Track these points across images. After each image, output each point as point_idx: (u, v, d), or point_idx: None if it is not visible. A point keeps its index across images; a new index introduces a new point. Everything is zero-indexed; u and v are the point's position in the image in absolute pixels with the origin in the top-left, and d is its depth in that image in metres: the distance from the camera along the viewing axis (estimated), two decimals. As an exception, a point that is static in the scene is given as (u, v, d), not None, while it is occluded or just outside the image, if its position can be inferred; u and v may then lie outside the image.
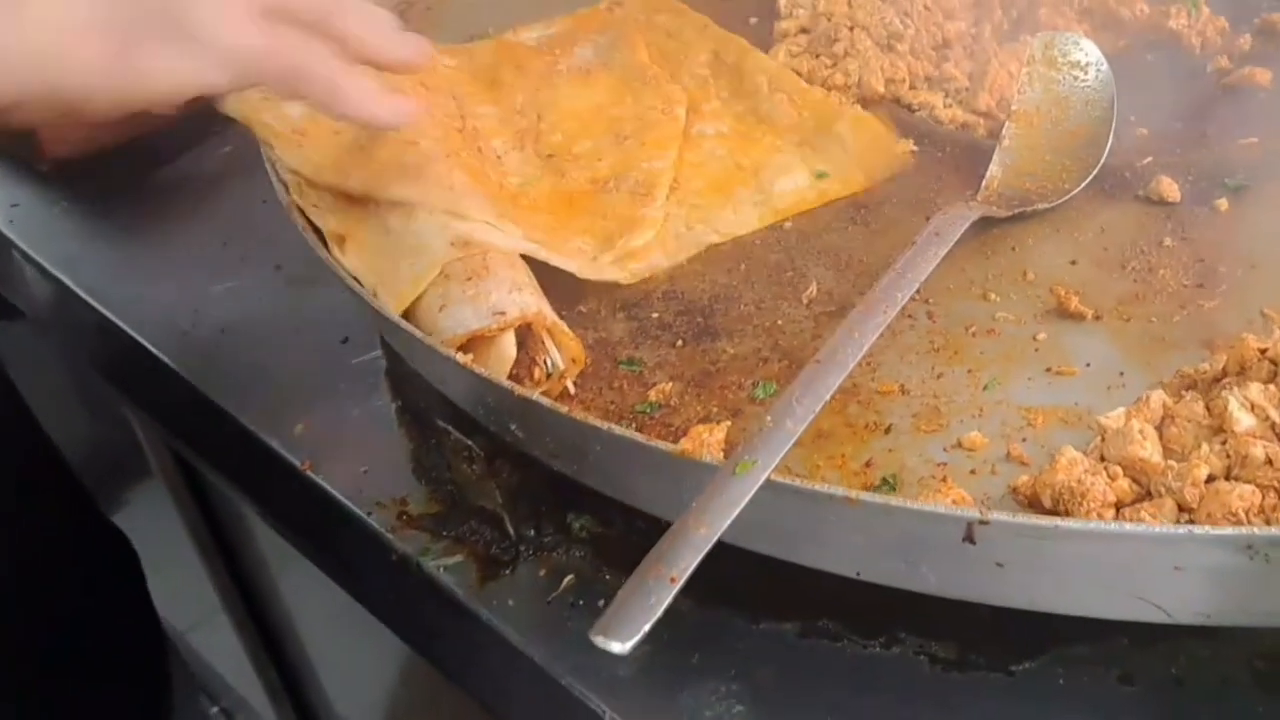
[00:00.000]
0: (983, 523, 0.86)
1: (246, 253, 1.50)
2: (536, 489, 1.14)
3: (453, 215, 1.18)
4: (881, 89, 1.49)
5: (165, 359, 1.37)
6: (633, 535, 1.08)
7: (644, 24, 1.63)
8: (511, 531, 1.11)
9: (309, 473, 1.21)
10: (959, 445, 1.07)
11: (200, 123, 1.69)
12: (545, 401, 0.99)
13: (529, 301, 1.12)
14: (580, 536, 1.11)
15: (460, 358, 1.03)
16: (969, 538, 0.87)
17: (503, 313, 1.10)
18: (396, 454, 1.23)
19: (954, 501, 1.00)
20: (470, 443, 1.14)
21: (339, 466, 1.22)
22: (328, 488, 1.19)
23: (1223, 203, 1.29)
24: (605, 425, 0.97)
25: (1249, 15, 1.59)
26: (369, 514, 1.16)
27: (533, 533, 1.11)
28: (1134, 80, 1.45)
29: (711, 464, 0.94)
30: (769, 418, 0.95)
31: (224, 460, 1.39)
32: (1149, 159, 1.36)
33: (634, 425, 1.11)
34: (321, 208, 1.22)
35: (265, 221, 1.50)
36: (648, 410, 1.13)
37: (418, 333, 1.07)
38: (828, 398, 0.98)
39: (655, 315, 1.23)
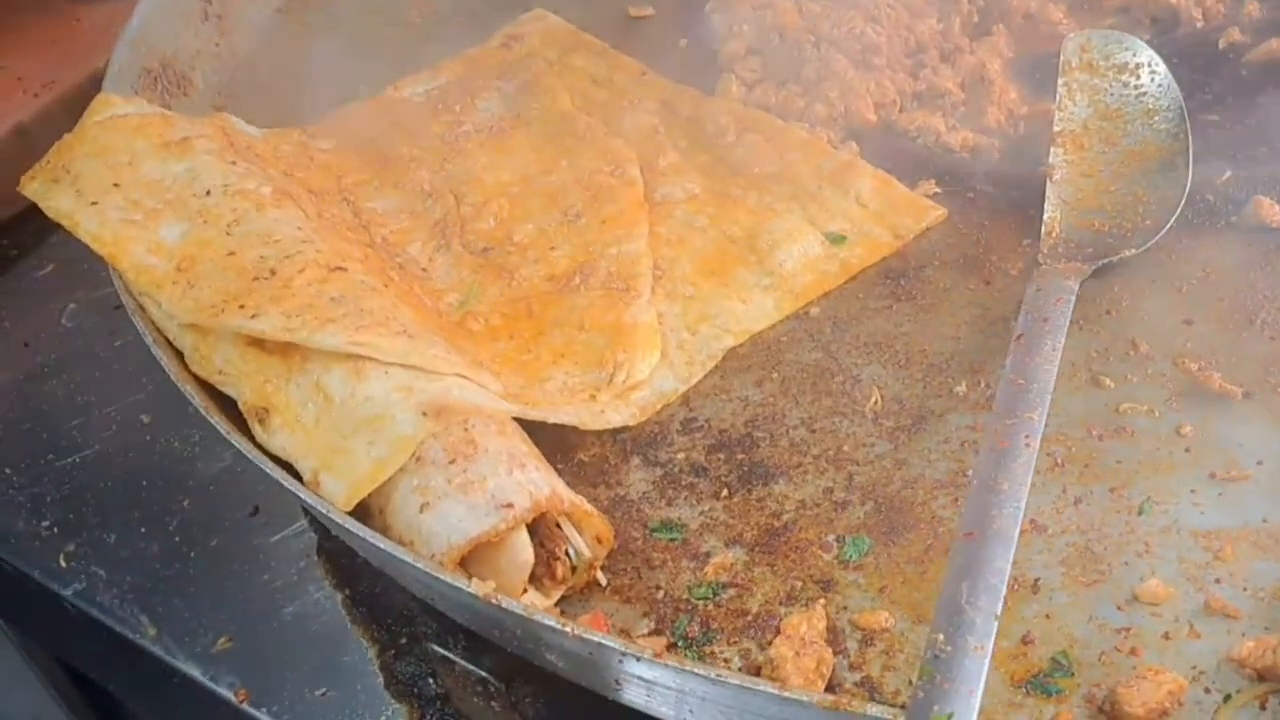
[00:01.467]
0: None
1: (103, 403, 1.17)
2: (569, 712, 0.89)
3: (415, 371, 0.89)
4: (873, 117, 1.23)
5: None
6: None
7: (557, 66, 1.36)
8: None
9: (245, 706, 0.93)
10: (1136, 599, 0.84)
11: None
12: (619, 645, 0.73)
13: (538, 482, 0.86)
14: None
15: (479, 589, 0.76)
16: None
17: (509, 504, 0.84)
18: (359, 664, 0.95)
19: (1170, 692, 0.75)
20: (483, 673, 0.86)
21: (285, 692, 0.94)
22: (277, 726, 0.91)
23: (1337, 219, 1.06)
24: (707, 672, 0.72)
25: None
26: (348, 761, 0.88)
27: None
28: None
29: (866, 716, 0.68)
30: (938, 636, 0.69)
31: (130, 690, 1.09)
32: (1227, 174, 1.11)
33: (698, 619, 0.87)
34: (229, 374, 0.93)
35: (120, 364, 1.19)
36: (709, 595, 0.88)
37: (404, 554, 0.81)
38: (1004, 590, 0.72)
39: (681, 455, 0.97)
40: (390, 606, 0.96)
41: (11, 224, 1.35)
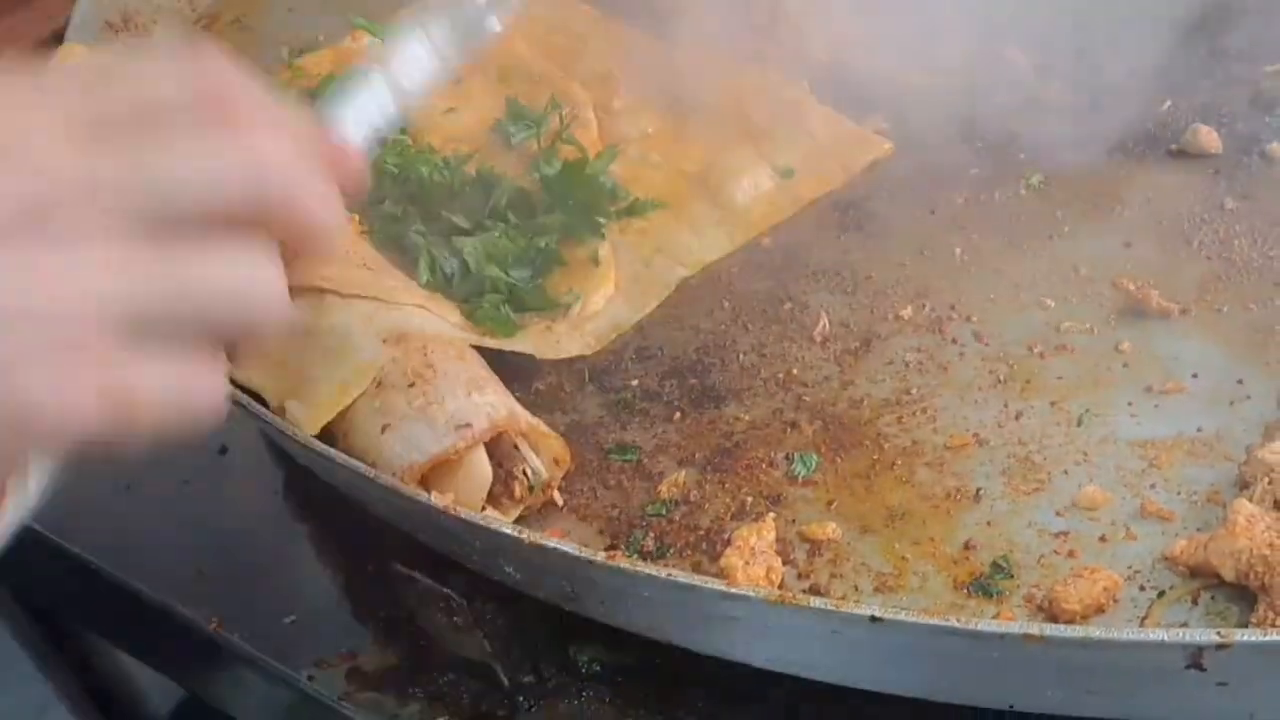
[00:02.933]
0: (1221, 647, 0.63)
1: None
2: (530, 625, 0.90)
3: (377, 301, 0.91)
4: (825, 57, 1.25)
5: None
6: (658, 660, 0.85)
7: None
8: (505, 680, 0.87)
9: (219, 632, 0.95)
10: (1074, 505, 0.87)
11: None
12: (573, 549, 0.75)
13: (496, 404, 0.87)
14: (591, 672, 0.87)
15: (438, 501, 0.78)
16: (1196, 664, 0.65)
17: (468, 425, 0.85)
18: (326, 593, 0.98)
19: (1105, 589, 0.78)
20: (447, 590, 0.88)
21: (256, 619, 0.95)
22: (250, 649, 0.94)
23: (1275, 147, 1.09)
24: (656, 571, 0.74)
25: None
26: (309, 677, 0.91)
27: (531, 678, 0.88)
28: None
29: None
30: None
31: (106, 626, 1.10)
32: (1167, 103, 1.14)
33: (651, 534, 0.88)
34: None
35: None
36: (663, 511, 0.90)
37: (365, 468, 0.82)
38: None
39: (635, 383, 0.99)
40: (356, 534, 0.98)
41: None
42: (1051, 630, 0.66)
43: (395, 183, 1.08)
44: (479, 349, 0.95)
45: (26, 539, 1.01)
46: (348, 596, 0.96)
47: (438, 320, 0.94)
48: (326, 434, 0.89)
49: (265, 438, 1.05)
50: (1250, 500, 0.80)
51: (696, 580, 0.73)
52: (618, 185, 1.11)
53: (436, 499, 0.79)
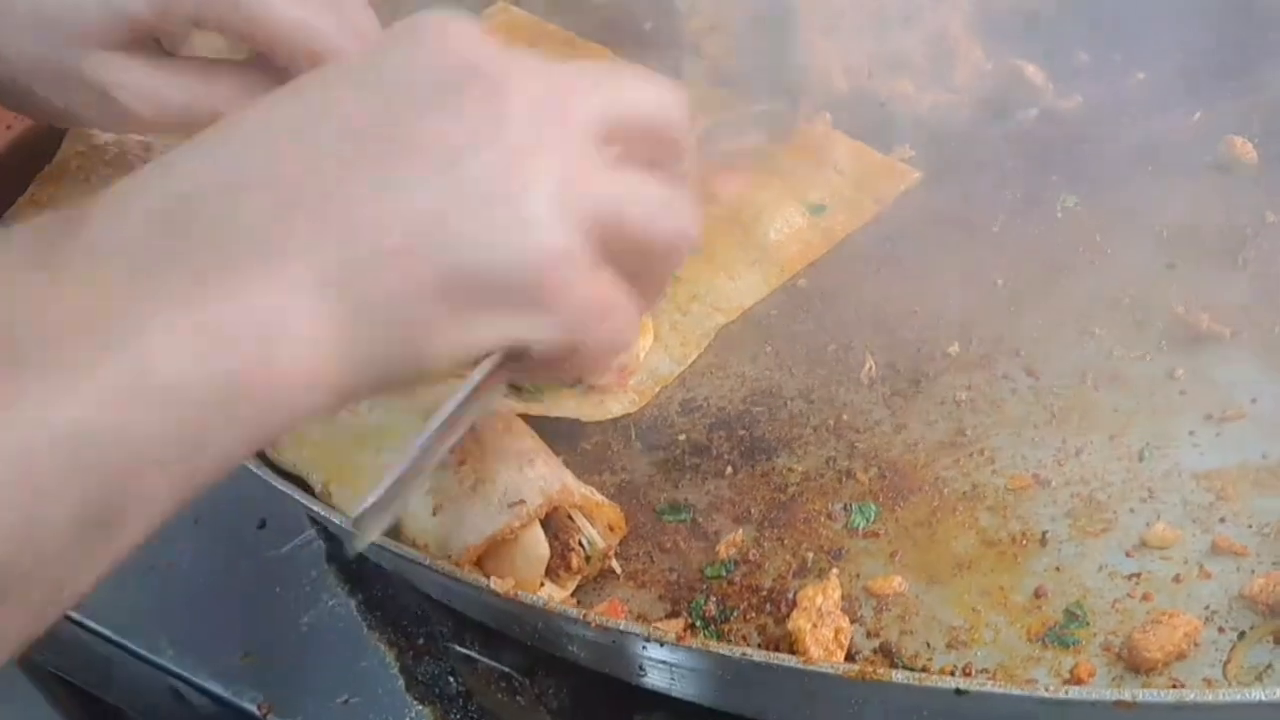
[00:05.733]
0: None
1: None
2: (593, 697, 0.88)
3: (417, 373, 0.89)
4: (844, 85, 1.23)
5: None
6: None
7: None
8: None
9: (269, 718, 0.93)
10: (1144, 545, 0.85)
11: None
12: (642, 630, 0.73)
13: (548, 477, 0.86)
14: (663, 745, 0.85)
15: (500, 586, 0.77)
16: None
17: (521, 501, 0.83)
18: (380, 672, 0.95)
19: (1185, 634, 0.76)
20: (505, 668, 0.87)
21: (309, 701, 0.93)
22: (306, 736, 0.90)
23: (1314, 155, 1.07)
24: (729, 651, 0.73)
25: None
26: (370, 763, 0.88)
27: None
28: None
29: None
30: None
31: (150, 713, 1.08)
32: (1197, 114, 1.12)
33: (713, 598, 0.86)
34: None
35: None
36: (722, 572, 0.88)
37: (420, 555, 0.81)
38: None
39: (683, 437, 0.97)
40: (405, 609, 0.96)
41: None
42: (1145, 695, 0.64)
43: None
44: (524, 416, 0.94)
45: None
46: (403, 674, 0.94)
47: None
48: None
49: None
50: (1327, 533, 0.78)
51: (771, 659, 0.71)
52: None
53: (497, 584, 0.78)
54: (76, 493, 0.52)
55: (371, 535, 0.66)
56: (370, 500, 0.65)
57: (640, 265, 0.68)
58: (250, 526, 1.05)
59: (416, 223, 0.59)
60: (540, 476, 0.86)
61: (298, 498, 0.86)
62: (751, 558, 0.88)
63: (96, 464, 0.52)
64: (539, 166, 0.62)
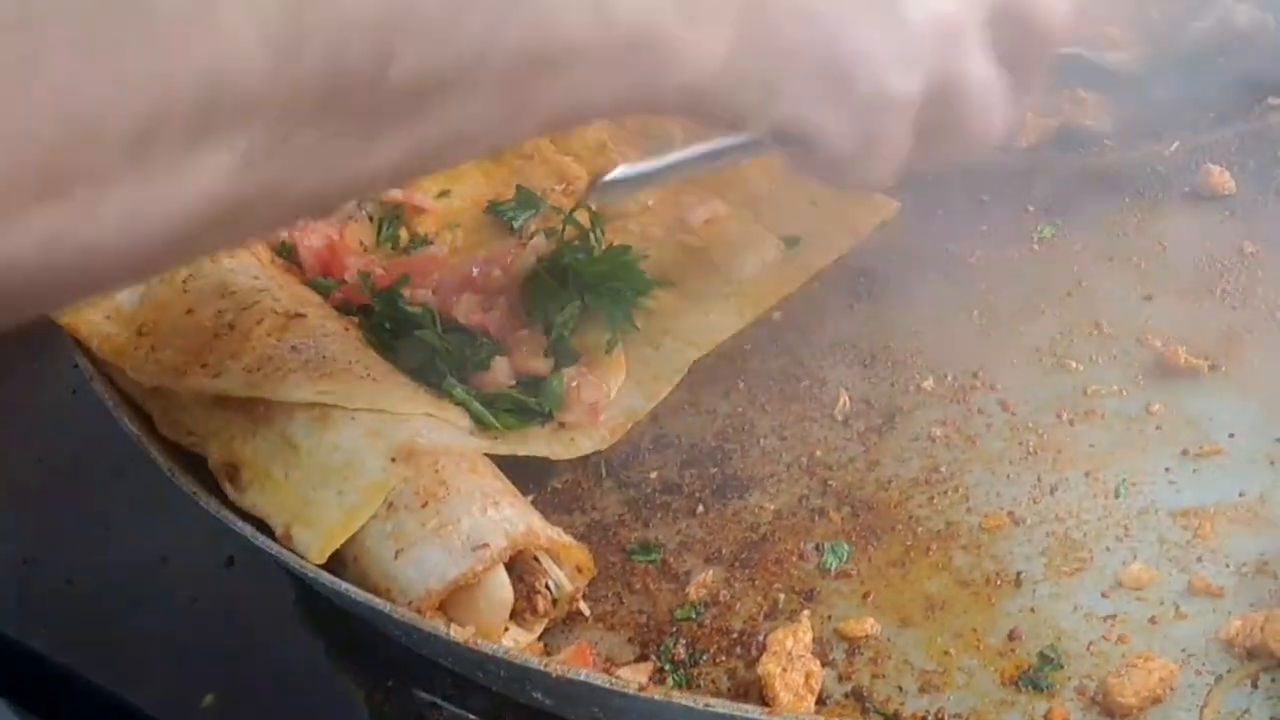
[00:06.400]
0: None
1: (75, 471, 1.14)
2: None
3: (381, 414, 0.88)
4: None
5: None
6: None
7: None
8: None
9: (236, 761, 0.90)
10: (1119, 585, 0.84)
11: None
12: (605, 681, 0.73)
13: (514, 519, 0.84)
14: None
15: (459, 635, 0.75)
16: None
17: (485, 545, 0.82)
18: (347, 713, 0.93)
19: (1161, 679, 0.75)
20: (471, 715, 0.85)
21: (278, 748, 0.90)
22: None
23: (1292, 187, 1.06)
24: (692, 701, 0.72)
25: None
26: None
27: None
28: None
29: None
30: None
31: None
32: (1175, 144, 1.11)
33: (683, 640, 0.85)
34: (198, 433, 0.92)
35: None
36: (692, 614, 0.87)
37: (380, 604, 0.79)
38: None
39: (654, 474, 0.96)
40: (373, 652, 0.94)
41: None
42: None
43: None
44: (491, 455, 0.92)
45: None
46: (372, 717, 0.92)
47: (449, 429, 0.91)
48: (336, 556, 0.85)
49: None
50: (1304, 575, 0.77)
51: (734, 710, 0.70)
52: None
53: (456, 633, 0.76)
54: None
55: (600, 199, 0.93)
56: (615, 174, 0.86)
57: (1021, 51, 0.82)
58: (218, 563, 1.03)
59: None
60: (505, 519, 0.84)
61: (259, 544, 0.85)
62: (722, 599, 0.87)
63: None
64: None
